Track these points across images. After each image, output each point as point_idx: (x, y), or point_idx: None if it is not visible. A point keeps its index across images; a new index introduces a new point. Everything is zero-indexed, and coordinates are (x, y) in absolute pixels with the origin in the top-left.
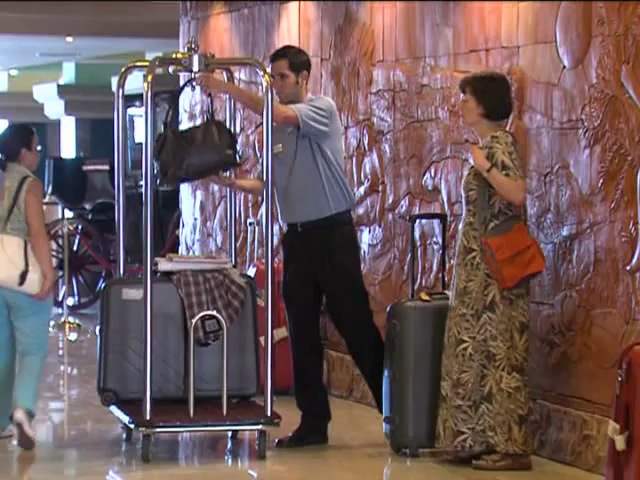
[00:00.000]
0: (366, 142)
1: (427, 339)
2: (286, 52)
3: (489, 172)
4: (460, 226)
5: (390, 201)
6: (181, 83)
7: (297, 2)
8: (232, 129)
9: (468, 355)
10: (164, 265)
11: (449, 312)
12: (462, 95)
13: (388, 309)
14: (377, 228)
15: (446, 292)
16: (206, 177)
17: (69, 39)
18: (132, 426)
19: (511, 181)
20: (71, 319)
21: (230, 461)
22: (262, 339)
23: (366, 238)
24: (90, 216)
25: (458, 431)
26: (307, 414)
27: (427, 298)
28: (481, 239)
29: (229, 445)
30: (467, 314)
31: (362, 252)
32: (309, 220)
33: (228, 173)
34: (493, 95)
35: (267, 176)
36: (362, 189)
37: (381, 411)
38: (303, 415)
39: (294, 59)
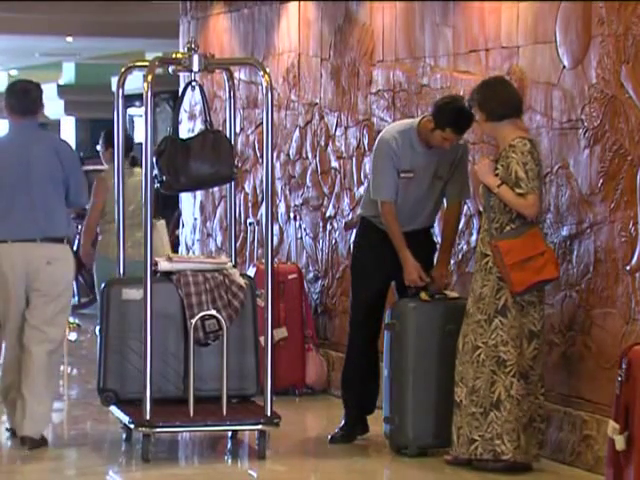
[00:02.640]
0: (366, 142)
1: (427, 339)
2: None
3: (498, 189)
4: (477, 232)
5: None
6: (181, 83)
7: (297, 2)
8: (231, 137)
9: (481, 361)
10: (164, 265)
11: (466, 318)
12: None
13: (388, 309)
14: None
15: (446, 292)
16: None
17: (69, 39)
18: (132, 426)
19: (520, 200)
20: (71, 319)
21: (230, 461)
22: (262, 339)
23: None
24: None
25: (472, 439)
26: (354, 407)
27: (427, 298)
28: (492, 242)
29: (229, 445)
30: (481, 320)
31: None
32: (421, 227)
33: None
34: (489, 98)
35: (267, 176)
36: (362, 189)
37: None
38: (350, 408)
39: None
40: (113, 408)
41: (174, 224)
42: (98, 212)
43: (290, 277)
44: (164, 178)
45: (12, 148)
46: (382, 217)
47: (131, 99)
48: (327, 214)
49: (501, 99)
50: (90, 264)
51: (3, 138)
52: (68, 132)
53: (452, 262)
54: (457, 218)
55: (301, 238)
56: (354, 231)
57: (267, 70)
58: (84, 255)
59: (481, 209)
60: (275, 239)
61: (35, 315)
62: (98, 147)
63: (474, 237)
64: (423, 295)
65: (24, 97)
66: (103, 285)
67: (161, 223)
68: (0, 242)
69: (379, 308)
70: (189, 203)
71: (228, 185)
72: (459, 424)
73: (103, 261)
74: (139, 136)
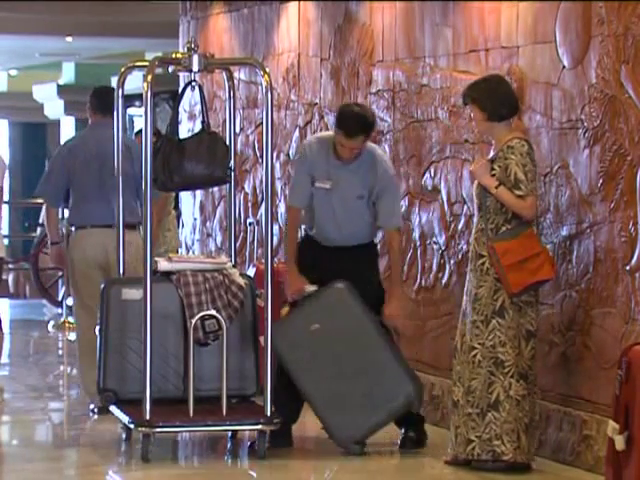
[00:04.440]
0: None
1: (299, 348)
2: (366, 129)
3: (496, 190)
4: (472, 232)
5: None
6: (181, 83)
7: (297, 2)
8: (230, 137)
9: (477, 362)
10: (164, 265)
11: (463, 318)
12: (468, 107)
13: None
14: None
15: (308, 288)
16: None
17: (69, 39)
18: (132, 426)
19: (519, 201)
20: (71, 319)
21: (230, 461)
22: (262, 339)
23: None
24: None
25: (469, 439)
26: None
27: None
28: (488, 243)
29: (229, 445)
30: (477, 320)
31: None
32: (356, 244)
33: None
34: (491, 96)
35: (267, 176)
36: None
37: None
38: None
39: (371, 132)
40: (113, 408)
41: None
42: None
43: None
44: (158, 177)
45: (92, 143)
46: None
47: (131, 99)
48: None
49: (503, 99)
50: None
51: (85, 134)
52: (68, 132)
53: (452, 262)
54: (396, 247)
55: None
56: None
57: (267, 70)
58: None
59: (476, 209)
60: (275, 239)
61: None
62: None
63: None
64: (284, 311)
65: (107, 97)
66: (103, 285)
67: (172, 216)
68: (80, 227)
69: None
70: (189, 203)
71: (228, 185)
72: (457, 423)
73: None
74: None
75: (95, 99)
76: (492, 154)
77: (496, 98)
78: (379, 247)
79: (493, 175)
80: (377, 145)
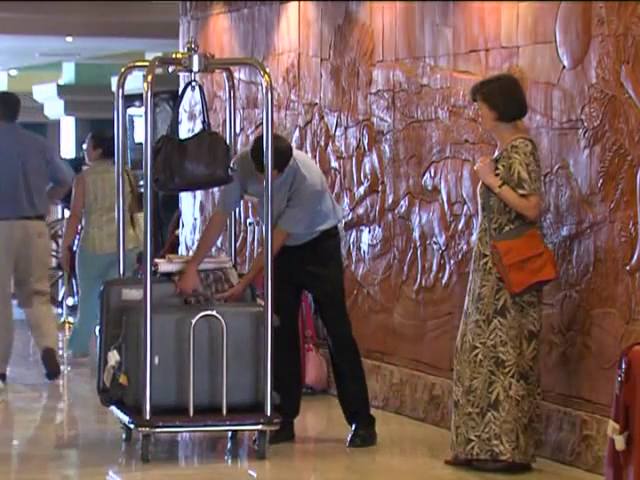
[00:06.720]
0: (366, 142)
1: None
2: (263, 169)
3: (500, 189)
4: (476, 232)
5: (390, 201)
6: (181, 83)
7: (297, 2)
8: (231, 138)
9: (478, 361)
10: (164, 267)
11: (464, 317)
12: (475, 104)
13: None
14: (377, 228)
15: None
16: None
17: (69, 39)
18: (132, 426)
19: (522, 200)
20: (71, 319)
21: (230, 461)
22: None
23: (366, 238)
24: None
25: (469, 439)
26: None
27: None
28: (491, 242)
29: (229, 445)
30: (480, 320)
31: (362, 252)
32: (300, 243)
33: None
34: (503, 96)
35: (267, 176)
36: (362, 189)
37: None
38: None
39: (280, 167)
40: (113, 408)
41: (174, 224)
42: (79, 213)
43: None
44: (159, 177)
45: (9, 145)
46: None
47: (131, 99)
48: None
49: (515, 100)
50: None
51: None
52: (68, 132)
53: (452, 262)
54: (273, 246)
55: None
56: (353, 232)
57: (267, 70)
58: (64, 256)
59: (479, 209)
60: None
61: (35, 279)
62: (84, 146)
63: (474, 237)
64: (123, 378)
65: (15, 105)
66: (103, 286)
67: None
68: (5, 219)
69: (291, 314)
70: (189, 203)
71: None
72: (457, 423)
73: (84, 254)
74: (139, 136)
75: (3, 106)
76: (496, 153)
77: (508, 99)
78: (378, 248)
79: (497, 174)
80: (374, 144)
